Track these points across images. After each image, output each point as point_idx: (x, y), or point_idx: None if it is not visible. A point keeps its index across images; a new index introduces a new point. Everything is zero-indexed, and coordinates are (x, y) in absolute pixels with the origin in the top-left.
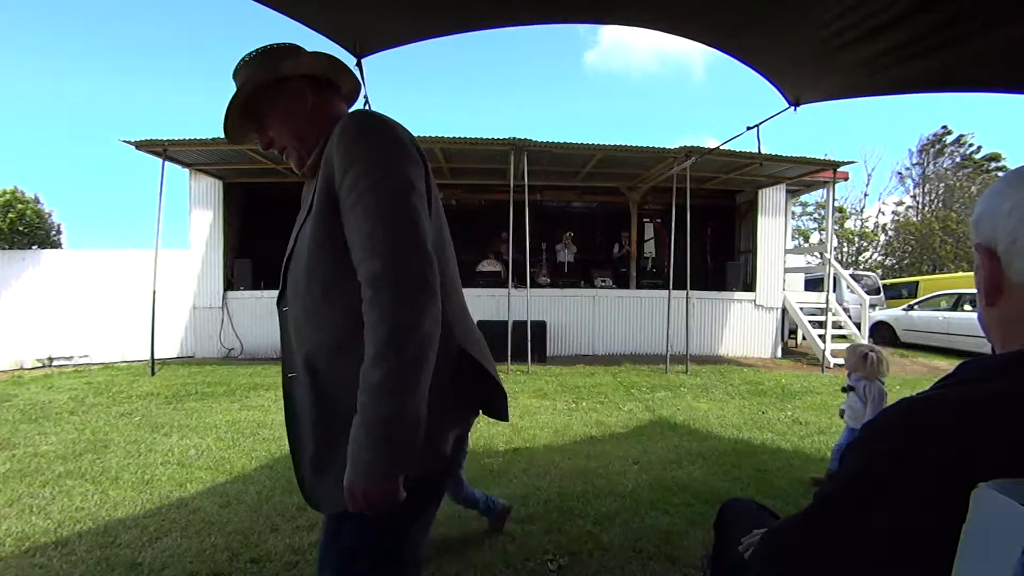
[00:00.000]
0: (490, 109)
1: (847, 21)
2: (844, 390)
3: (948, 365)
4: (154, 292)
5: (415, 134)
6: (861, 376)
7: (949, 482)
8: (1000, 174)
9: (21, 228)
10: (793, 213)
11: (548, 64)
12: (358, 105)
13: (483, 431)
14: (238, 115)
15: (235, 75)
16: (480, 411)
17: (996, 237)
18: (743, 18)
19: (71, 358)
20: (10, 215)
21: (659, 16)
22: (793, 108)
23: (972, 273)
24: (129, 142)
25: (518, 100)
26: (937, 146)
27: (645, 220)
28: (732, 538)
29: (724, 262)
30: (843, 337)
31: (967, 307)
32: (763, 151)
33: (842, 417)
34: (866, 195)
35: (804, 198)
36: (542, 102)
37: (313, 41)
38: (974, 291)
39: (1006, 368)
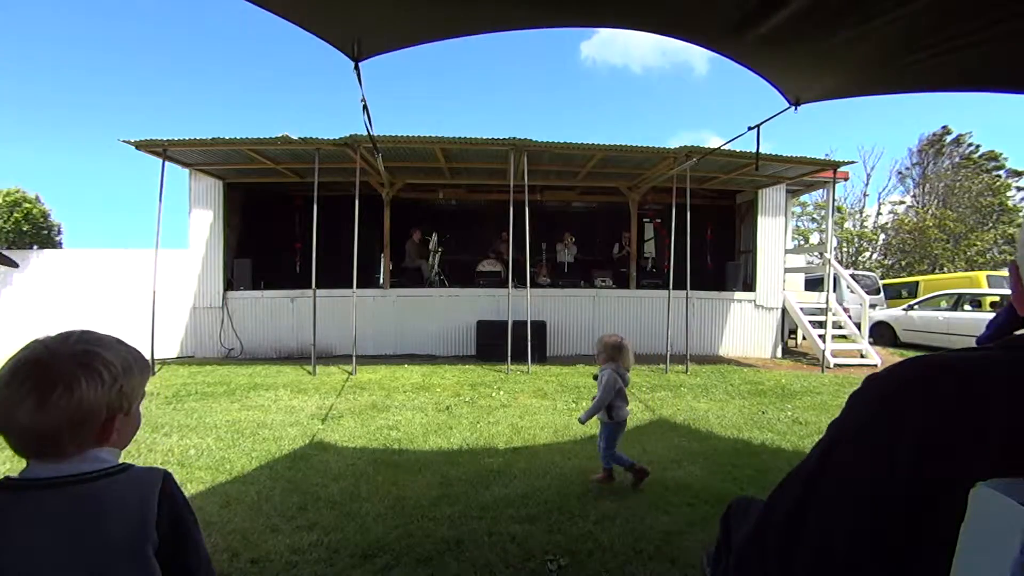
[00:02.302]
0: (485, 102)
1: (846, 19)
2: (596, 379)
3: None
4: (154, 292)
5: (414, 133)
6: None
7: (930, 428)
8: (1000, 173)
9: (25, 228)
10: (793, 213)
11: (544, 55)
12: (357, 109)
13: (483, 431)
14: None
15: None
16: None
17: (1018, 255)
18: (738, 18)
19: None
20: (15, 215)
21: (651, 18)
22: (794, 108)
23: (972, 273)
24: (129, 142)
25: (513, 92)
26: (937, 146)
27: (645, 220)
28: (735, 533)
29: (724, 262)
30: (843, 337)
31: (967, 307)
32: (764, 150)
33: None
34: (866, 195)
35: (803, 198)
36: (538, 95)
37: (312, 44)
38: (974, 291)
39: (1007, 344)
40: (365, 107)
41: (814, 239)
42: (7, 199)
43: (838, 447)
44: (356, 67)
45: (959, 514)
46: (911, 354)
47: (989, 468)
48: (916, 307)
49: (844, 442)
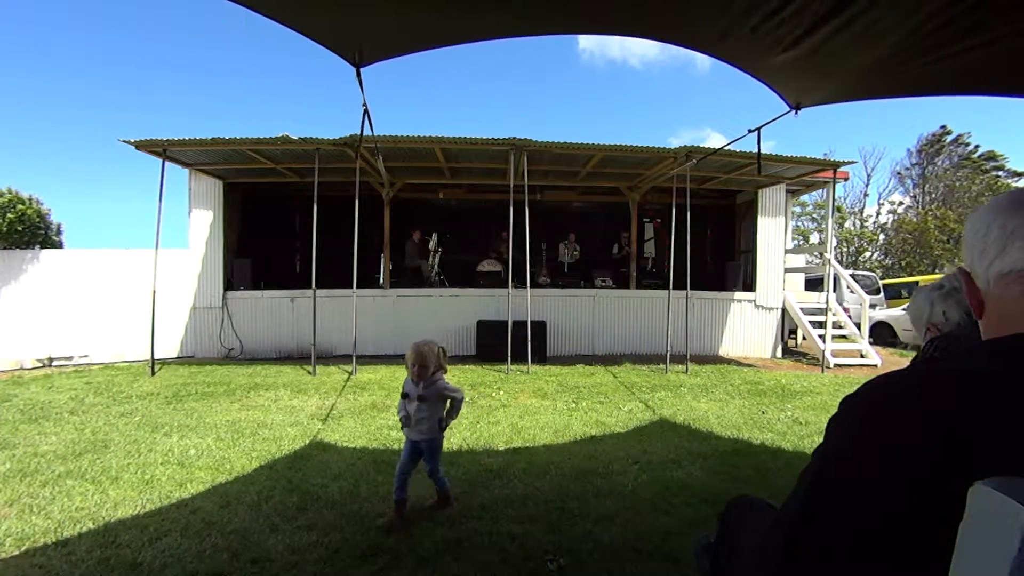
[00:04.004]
0: (479, 95)
1: (846, 26)
2: (409, 397)
3: None
4: (154, 292)
5: (414, 132)
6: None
7: (916, 450)
8: (999, 174)
9: (20, 228)
10: (793, 213)
11: (540, 48)
12: (357, 108)
13: (483, 431)
14: None
15: None
16: None
17: (967, 259)
18: (736, 25)
19: (71, 358)
20: (9, 215)
21: (648, 25)
22: (794, 112)
23: None
24: (129, 142)
25: (508, 85)
26: (936, 146)
27: (645, 220)
28: (735, 531)
29: (724, 262)
30: (843, 337)
31: None
32: (764, 150)
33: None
34: (866, 195)
35: (804, 198)
36: (534, 89)
37: (314, 51)
38: None
39: (979, 352)
40: (366, 112)
41: (814, 239)
42: (1, 199)
43: (832, 476)
44: (358, 73)
45: (953, 521)
46: (911, 354)
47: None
48: None
49: (838, 471)
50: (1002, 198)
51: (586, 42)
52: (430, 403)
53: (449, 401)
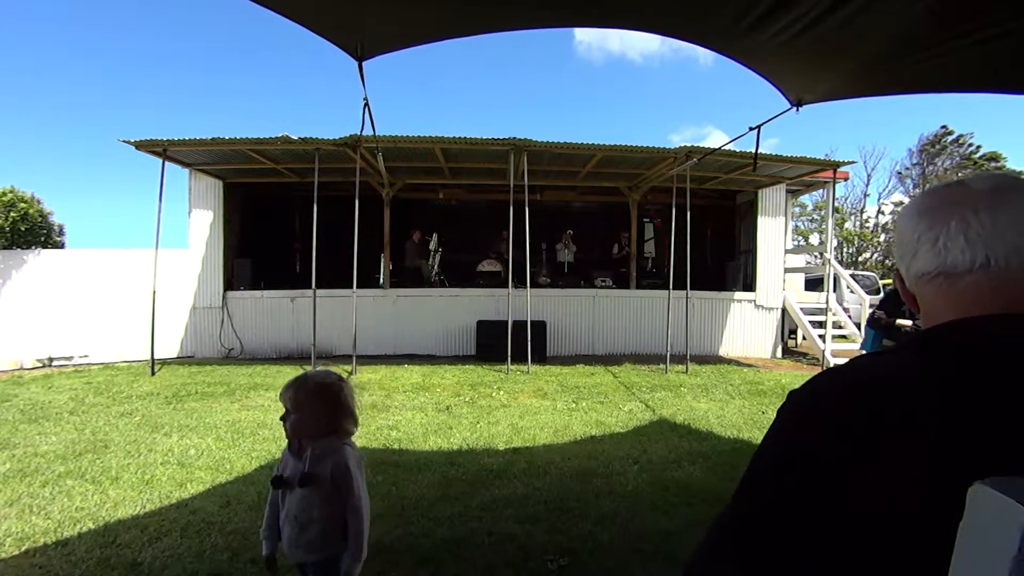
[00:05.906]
0: (473, 96)
1: (848, 20)
2: (298, 483)
3: None
4: (154, 292)
5: (414, 133)
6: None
7: (830, 447)
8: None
9: (23, 228)
10: (793, 213)
11: (534, 40)
12: (357, 108)
13: (483, 431)
14: None
15: None
16: None
17: (897, 262)
18: (738, 20)
19: (71, 358)
20: (12, 215)
21: (650, 18)
22: (795, 109)
23: None
24: (129, 142)
25: (502, 78)
26: (937, 146)
27: (645, 220)
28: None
29: (724, 262)
30: (843, 337)
31: None
32: (766, 150)
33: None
34: (866, 195)
35: (803, 199)
36: (528, 83)
37: (315, 44)
38: None
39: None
40: (367, 105)
41: (814, 239)
42: (1, 200)
43: (760, 471)
44: (360, 66)
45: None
46: None
47: (919, 475)
48: None
49: (764, 464)
50: (914, 202)
51: (583, 34)
52: (321, 492)
53: (347, 509)
